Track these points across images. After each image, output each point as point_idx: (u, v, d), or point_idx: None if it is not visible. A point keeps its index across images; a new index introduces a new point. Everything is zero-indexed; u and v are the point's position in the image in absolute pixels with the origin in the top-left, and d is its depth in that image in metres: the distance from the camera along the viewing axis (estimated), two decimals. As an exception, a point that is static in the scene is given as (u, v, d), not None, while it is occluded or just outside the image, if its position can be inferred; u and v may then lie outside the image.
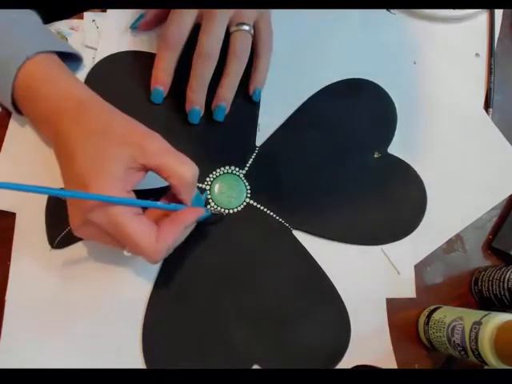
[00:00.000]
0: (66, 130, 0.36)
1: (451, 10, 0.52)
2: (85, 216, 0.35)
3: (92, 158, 0.35)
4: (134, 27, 0.47)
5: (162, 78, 0.44)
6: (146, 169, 0.37)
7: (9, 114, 0.44)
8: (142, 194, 0.38)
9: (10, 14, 0.39)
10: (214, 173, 0.45)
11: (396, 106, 0.49)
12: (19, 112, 0.41)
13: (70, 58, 0.43)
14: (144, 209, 0.38)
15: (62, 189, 0.39)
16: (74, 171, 0.35)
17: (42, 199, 0.43)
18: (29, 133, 0.44)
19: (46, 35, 0.41)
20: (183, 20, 0.42)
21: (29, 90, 0.38)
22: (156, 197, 0.40)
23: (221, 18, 0.42)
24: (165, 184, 0.38)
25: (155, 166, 0.36)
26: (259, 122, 0.47)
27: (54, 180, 0.43)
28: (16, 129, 0.44)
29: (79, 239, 0.43)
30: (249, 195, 0.45)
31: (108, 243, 0.37)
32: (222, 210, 0.45)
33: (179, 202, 0.39)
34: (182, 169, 0.36)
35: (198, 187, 0.45)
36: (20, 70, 0.38)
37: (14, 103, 0.40)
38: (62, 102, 0.37)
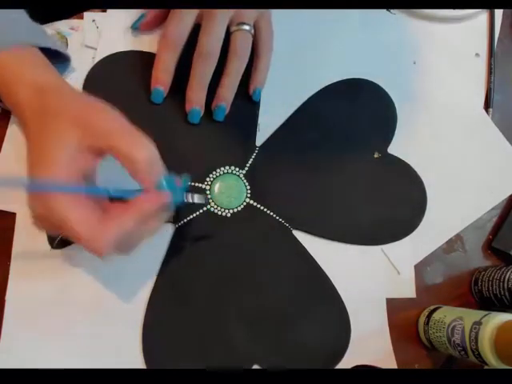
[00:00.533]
0: (26, 119, 0.35)
1: (451, 10, 0.52)
2: (30, 206, 0.34)
3: (39, 143, 0.33)
4: (135, 27, 0.47)
5: (162, 78, 0.44)
6: (98, 151, 0.34)
7: (9, 114, 0.44)
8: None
9: None
10: (214, 173, 0.45)
11: (396, 105, 0.49)
12: None
13: (60, 57, 0.42)
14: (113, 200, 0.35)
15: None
16: (28, 159, 0.34)
17: (42, 199, 0.43)
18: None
19: (28, 29, 0.40)
20: (183, 20, 0.42)
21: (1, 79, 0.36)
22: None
23: (221, 17, 0.42)
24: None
25: (106, 147, 0.33)
26: (259, 121, 0.47)
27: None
28: (16, 129, 0.44)
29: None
30: (249, 195, 0.45)
31: (62, 234, 0.35)
32: (204, 196, 0.42)
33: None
34: (134, 151, 0.33)
35: (198, 187, 0.45)
36: None
37: None
38: (24, 90, 0.35)
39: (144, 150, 0.34)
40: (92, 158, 0.34)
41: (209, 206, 0.45)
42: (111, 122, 0.34)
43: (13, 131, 0.44)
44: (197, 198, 0.39)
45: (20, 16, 0.40)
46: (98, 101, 0.35)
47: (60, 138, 0.33)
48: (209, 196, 0.45)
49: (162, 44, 0.43)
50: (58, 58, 0.41)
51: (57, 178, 0.32)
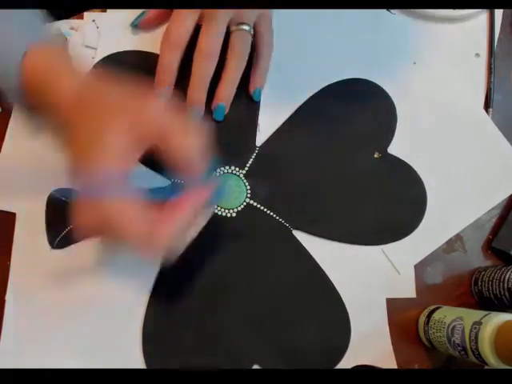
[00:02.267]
0: (69, 114, 0.33)
1: (451, 10, 0.52)
2: (79, 215, 0.32)
3: (87, 134, 0.32)
4: (135, 25, 0.47)
5: (166, 80, 0.44)
6: (146, 142, 0.33)
7: (9, 114, 0.44)
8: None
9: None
10: (214, 173, 0.45)
11: (396, 106, 0.49)
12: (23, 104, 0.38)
13: None
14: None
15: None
16: (72, 155, 0.32)
17: (42, 199, 0.43)
18: (29, 133, 0.44)
19: (40, 27, 0.39)
20: (186, 21, 0.42)
21: (32, 81, 0.35)
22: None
23: (221, 17, 0.42)
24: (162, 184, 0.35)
25: (157, 135, 0.32)
26: (259, 122, 0.47)
27: (54, 179, 0.44)
28: (16, 129, 0.44)
29: (79, 239, 0.43)
30: (249, 195, 0.45)
31: (107, 239, 0.35)
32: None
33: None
34: (186, 140, 0.32)
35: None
36: (22, 62, 0.35)
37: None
38: (67, 83, 0.34)
39: (196, 139, 0.33)
40: (139, 149, 0.32)
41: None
42: (161, 110, 0.33)
43: (13, 131, 0.44)
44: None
45: (29, 17, 0.39)
46: (145, 89, 0.34)
47: (111, 126, 0.32)
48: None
49: (164, 45, 0.43)
50: None
51: (110, 166, 0.31)
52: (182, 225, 0.33)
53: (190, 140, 0.32)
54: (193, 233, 0.35)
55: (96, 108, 0.33)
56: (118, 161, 0.31)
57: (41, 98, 0.35)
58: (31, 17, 0.39)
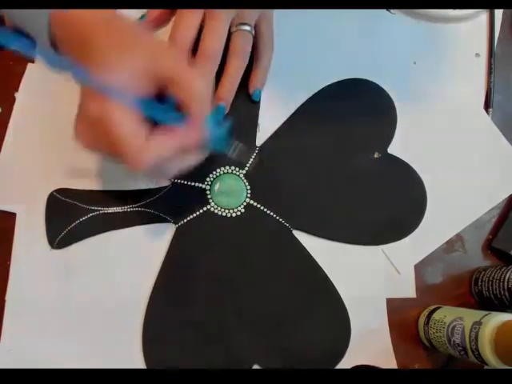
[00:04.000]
0: (95, 42, 0.34)
1: (451, 10, 0.52)
2: (83, 107, 0.34)
3: (108, 57, 0.34)
4: None
5: None
6: (157, 84, 0.35)
7: (9, 114, 0.44)
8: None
9: None
10: (214, 173, 0.45)
11: (396, 105, 0.49)
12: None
13: None
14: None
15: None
16: (92, 67, 0.34)
17: (43, 199, 0.43)
18: (29, 132, 0.44)
19: None
20: (191, 20, 0.42)
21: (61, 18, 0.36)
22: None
23: (224, 18, 0.42)
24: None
25: (169, 76, 0.35)
26: (259, 122, 0.47)
27: (54, 179, 0.44)
28: (16, 129, 0.44)
29: (79, 239, 0.43)
30: (249, 195, 0.45)
31: (102, 149, 0.35)
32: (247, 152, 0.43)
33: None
34: (193, 81, 0.35)
35: (198, 187, 0.45)
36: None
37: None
38: (89, 21, 0.35)
39: (202, 82, 0.35)
40: (149, 88, 0.35)
41: (209, 206, 0.45)
42: (176, 57, 0.36)
43: (13, 131, 0.44)
44: (238, 150, 0.39)
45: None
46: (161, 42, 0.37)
47: (130, 58, 0.34)
48: (209, 196, 0.45)
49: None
50: None
51: (121, 82, 0.33)
52: (168, 152, 0.34)
53: (199, 83, 0.35)
54: (184, 165, 0.37)
55: (123, 35, 0.35)
56: (130, 81, 0.33)
57: (69, 29, 0.36)
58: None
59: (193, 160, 0.37)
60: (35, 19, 0.37)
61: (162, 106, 0.35)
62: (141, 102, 0.34)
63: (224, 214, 0.45)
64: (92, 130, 0.35)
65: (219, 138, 0.38)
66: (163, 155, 0.34)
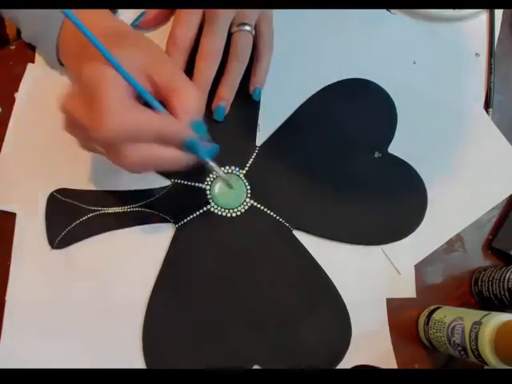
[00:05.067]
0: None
1: (451, 10, 0.52)
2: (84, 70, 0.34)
3: (114, 48, 0.34)
4: (135, 25, 0.47)
5: None
6: (153, 84, 0.35)
7: (9, 114, 0.44)
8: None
9: None
10: (214, 173, 0.45)
11: (396, 105, 0.49)
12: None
13: None
14: None
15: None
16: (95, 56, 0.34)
17: (43, 199, 0.43)
18: (29, 132, 0.44)
19: None
20: (190, 22, 0.42)
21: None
22: None
23: (224, 18, 0.42)
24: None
25: (166, 90, 0.35)
26: (259, 122, 0.47)
27: (54, 179, 0.44)
28: (16, 129, 0.44)
29: (79, 239, 0.43)
30: (249, 195, 0.45)
31: (84, 118, 0.34)
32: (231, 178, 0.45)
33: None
34: (187, 96, 0.35)
35: (198, 187, 0.45)
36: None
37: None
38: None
39: (198, 100, 0.36)
40: (144, 86, 0.35)
41: (209, 206, 0.45)
42: (174, 65, 0.37)
43: (13, 131, 0.44)
44: (221, 173, 0.40)
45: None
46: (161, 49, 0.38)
47: (128, 56, 0.34)
48: (209, 196, 0.45)
49: (172, 48, 0.43)
50: None
51: (127, 62, 0.33)
52: (144, 130, 0.33)
53: (194, 100, 0.35)
54: (162, 161, 0.35)
55: (123, 37, 0.36)
56: (127, 66, 0.34)
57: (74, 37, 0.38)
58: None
59: (171, 158, 0.35)
60: (46, 40, 0.39)
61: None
62: (138, 86, 0.34)
63: (224, 213, 0.45)
64: (80, 96, 0.34)
65: (205, 149, 0.37)
66: (137, 130, 0.33)
